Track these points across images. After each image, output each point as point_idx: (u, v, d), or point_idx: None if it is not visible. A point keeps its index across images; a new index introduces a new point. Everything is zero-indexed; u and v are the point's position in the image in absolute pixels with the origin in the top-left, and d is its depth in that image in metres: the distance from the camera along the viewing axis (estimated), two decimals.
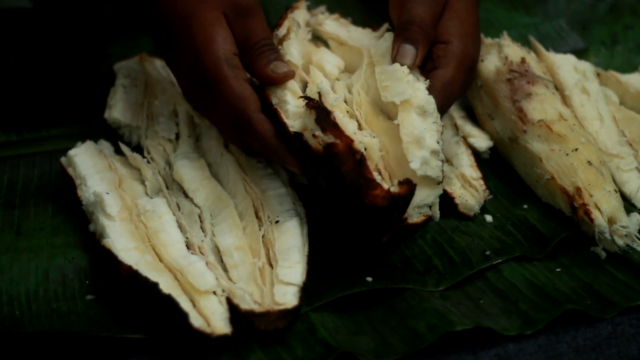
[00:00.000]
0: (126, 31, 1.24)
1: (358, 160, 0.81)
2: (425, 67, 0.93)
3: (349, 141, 0.82)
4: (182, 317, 0.79)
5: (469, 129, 1.04)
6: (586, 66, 1.08)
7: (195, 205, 0.91)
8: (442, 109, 0.91)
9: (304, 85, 0.94)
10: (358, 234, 0.89)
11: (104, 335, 0.81)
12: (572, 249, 0.92)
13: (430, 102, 0.88)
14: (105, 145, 1.00)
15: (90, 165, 0.95)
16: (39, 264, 0.89)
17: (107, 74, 1.12)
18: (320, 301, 0.85)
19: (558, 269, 0.90)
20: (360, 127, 0.89)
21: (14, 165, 1.03)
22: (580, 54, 1.17)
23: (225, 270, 0.85)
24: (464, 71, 0.93)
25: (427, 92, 0.89)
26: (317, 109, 0.85)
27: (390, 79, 0.90)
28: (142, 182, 0.96)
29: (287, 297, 0.81)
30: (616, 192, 0.93)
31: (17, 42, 1.22)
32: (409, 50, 0.92)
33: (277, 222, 0.88)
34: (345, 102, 0.92)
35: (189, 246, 0.87)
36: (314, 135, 0.83)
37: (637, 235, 0.90)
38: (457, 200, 0.95)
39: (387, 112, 0.91)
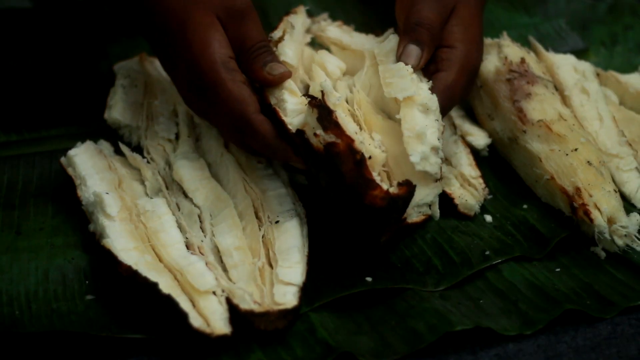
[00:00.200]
0: (126, 31, 1.24)
1: (358, 160, 0.81)
2: (428, 70, 0.94)
3: (349, 141, 0.82)
4: (182, 317, 0.79)
5: (467, 127, 1.04)
6: (586, 66, 1.08)
7: (195, 205, 0.91)
8: (443, 112, 0.91)
9: (304, 87, 0.94)
10: (358, 234, 0.89)
11: (104, 335, 0.81)
12: (572, 249, 0.92)
13: (433, 100, 0.88)
14: (105, 146, 1.00)
15: (90, 166, 0.95)
16: (39, 264, 0.89)
17: (107, 74, 1.12)
18: (320, 301, 0.85)
19: (558, 269, 0.90)
20: (359, 127, 0.89)
21: (14, 165, 1.03)
22: (580, 54, 1.17)
23: (225, 270, 0.85)
24: (466, 76, 0.94)
25: (429, 91, 0.89)
26: (320, 107, 0.85)
27: (394, 76, 0.91)
28: (142, 182, 0.96)
29: (287, 297, 0.81)
30: (616, 192, 0.93)
31: (17, 42, 1.22)
32: (414, 51, 0.92)
33: (277, 222, 0.88)
34: (347, 102, 0.92)
35: (188, 246, 0.87)
36: (315, 134, 0.83)
37: (637, 235, 0.90)
38: (456, 201, 0.95)
39: (388, 112, 0.92)
